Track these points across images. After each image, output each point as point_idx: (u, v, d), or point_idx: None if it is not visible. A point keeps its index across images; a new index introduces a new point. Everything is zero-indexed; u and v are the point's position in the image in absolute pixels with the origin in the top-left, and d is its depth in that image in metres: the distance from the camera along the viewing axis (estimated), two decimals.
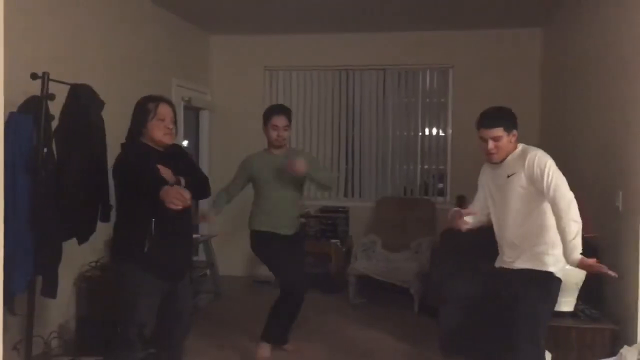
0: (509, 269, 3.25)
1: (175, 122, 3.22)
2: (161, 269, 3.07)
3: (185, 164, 3.30)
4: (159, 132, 3.13)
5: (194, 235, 5.97)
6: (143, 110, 3.14)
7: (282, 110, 4.36)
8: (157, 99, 3.19)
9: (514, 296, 3.11)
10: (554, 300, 3.21)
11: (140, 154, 3.10)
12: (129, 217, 3.13)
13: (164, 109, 3.15)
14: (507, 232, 3.27)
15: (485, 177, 3.49)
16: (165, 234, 3.07)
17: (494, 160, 3.30)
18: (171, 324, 3.25)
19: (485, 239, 3.73)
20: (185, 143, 6.73)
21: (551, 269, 3.10)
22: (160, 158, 3.13)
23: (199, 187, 3.32)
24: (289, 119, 4.34)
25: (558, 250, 3.04)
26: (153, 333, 3.17)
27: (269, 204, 4.27)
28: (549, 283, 3.12)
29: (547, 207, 3.10)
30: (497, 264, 3.39)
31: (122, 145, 3.23)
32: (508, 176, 3.23)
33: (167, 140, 3.17)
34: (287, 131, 4.29)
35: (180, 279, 3.24)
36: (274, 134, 4.25)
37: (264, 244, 4.28)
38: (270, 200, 4.27)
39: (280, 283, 4.31)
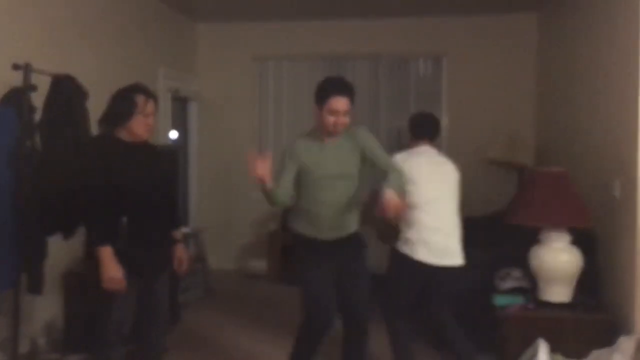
0: None
1: (154, 116, 3.16)
2: (135, 269, 2.98)
3: (157, 163, 3.25)
4: (142, 128, 3.06)
5: (184, 229, 5.94)
6: (129, 102, 3.03)
7: (343, 88, 3.23)
8: (146, 93, 3.09)
9: None
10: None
11: (116, 151, 3.03)
12: (99, 214, 3.00)
13: (151, 106, 3.08)
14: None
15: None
16: (138, 233, 2.98)
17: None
18: (148, 320, 3.19)
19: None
20: (173, 135, 6.63)
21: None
22: (135, 152, 3.08)
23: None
24: (352, 100, 3.24)
25: None
26: (131, 330, 3.12)
27: (322, 207, 3.29)
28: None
29: None
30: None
31: (96, 137, 3.16)
32: None
33: (146, 136, 3.12)
34: (347, 117, 3.21)
35: (155, 278, 3.16)
36: (330, 120, 3.16)
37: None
38: (323, 203, 3.28)
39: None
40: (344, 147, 3.29)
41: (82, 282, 4.21)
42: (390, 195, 3.00)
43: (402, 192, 3.24)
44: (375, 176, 3.37)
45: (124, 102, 3.04)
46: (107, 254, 2.88)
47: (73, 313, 4.26)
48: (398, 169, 3.34)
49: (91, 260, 2.97)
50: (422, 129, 3.84)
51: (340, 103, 3.17)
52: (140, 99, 3.04)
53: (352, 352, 3.44)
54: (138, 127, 3.04)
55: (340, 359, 3.48)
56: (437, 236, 3.53)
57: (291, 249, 3.55)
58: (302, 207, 3.34)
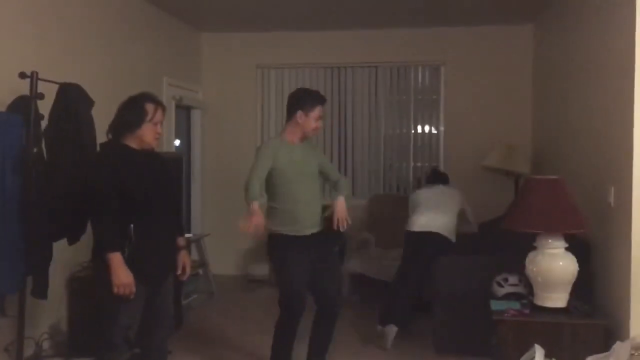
0: None
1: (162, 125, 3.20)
2: (142, 275, 3.02)
3: (163, 171, 3.30)
4: (151, 136, 3.10)
5: (187, 235, 5.99)
6: (139, 110, 3.06)
7: (324, 99, 3.80)
8: (155, 101, 3.13)
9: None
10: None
11: (125, 159, 3.07)
12: (107, 220, 3.02)
13: (160, 114, 3.12)
14: None
15: None
16: (145, 239, 3.02)
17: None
18: (153, 324, 3.23)
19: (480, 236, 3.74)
20: (177, 143, 6.70)
21: None
22: (144, 160, 3.12)
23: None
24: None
25: None
26: (137, 334, 3.16)
27: (297, 205, 3.66)
28: None
29: None
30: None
31: (103, 145, 3.19)
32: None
33: (155, 144, 3.17)
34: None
35: (161, 283, 3.21)
36: (314, 125, 3.67)
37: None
38: (298, 201, 3.66)
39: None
40: (308, 150, 3.79)
41: (86, 286, 4.28)
42: (341, 206, 3.62)
43: (349, 195, 3.87)
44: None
45: (134, 111, 3.07)
46: (117, 259, 2.91)
47: (77, 317, 4.30)
48: (344, 179, 4.02)
49: (99, 265, 3.01)
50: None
51: (322, 110, 3.72)
52: (150, 107, 3.07)
53: (323, 333, 3.86)
54: (148, 135, 3.08)
55: (311, 337, 3.87)
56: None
57: (268, 248, 3.78)
58: (280, 207, 3.68)
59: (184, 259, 3.34)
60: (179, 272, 3.32)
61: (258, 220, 3.42)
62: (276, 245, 3.69)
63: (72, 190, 3.64)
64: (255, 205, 3.46)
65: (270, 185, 3.68)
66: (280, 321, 3.76)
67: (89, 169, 3.12)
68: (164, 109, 3.18)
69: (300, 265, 3.63)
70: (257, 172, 3.60)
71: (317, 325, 3.87)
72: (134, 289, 2.95)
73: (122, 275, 2.91)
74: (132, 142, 3.09)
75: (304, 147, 3.76)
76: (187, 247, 3.50)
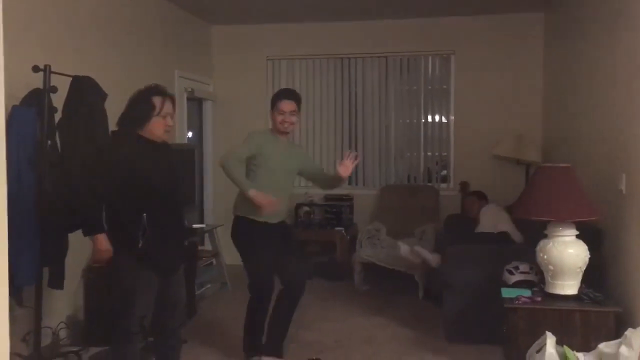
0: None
1: (174, 117, 3.20)
2: (156, 264, 3.07)
3: (172, 162, 3.33)
4: (160, 129, 3.11)
5: (199, 226, 6.04)
6: (147, 104, 3.08)
7: (290, 94, 4.04)
8: (163, 93, 3.13)
9: None
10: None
11: (138, 150, 3.10)
12: (120, 211, 3.10)
13: (168, 106, 3.12)
14: None
15: None
16: (158, 229, 3.06)
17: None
18: (166, 313, 3.27)
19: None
20: (189, 134, 6.74)
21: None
22: (155, 151, 3.15)
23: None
24: (298, 105, 4.01)
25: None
26: (151, 323, 3.22)
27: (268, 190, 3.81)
28: None
29: None
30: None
31: (115, 133, 3.22)
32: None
33: (166, 137, 3.18)
34: (294, 116, 3.94)
35: (174, 272, 3.25)
36: (279, 118, 3.90)
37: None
38: (271, 190, 3.80)
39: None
40: (293, 149, 4.14)
41: (101, 276, 4.33)
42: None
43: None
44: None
45: (141, 105, 3.08)
46: (101, 237, 3.04)
47: (93, 307, 4.35)
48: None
49: (115, 252, 3.07)
50: None
51: (286, 105, 3.92)
52: (157, 100, 3.08)
53: (286, 310, 4.05)
54: (157, 129, 3.10)
55: (273, 314, 4.05)
56: None
57: (235, 232, 3.96)
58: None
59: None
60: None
61: (267, 200, 3.69)
62: (243, 230, 3.91)
63: (86, 182, 3.68)
64: (253, 192, 3.69)
65: (249, 170, 3.89)
66: (251, 304, 4.00)
67: (101, 160, 3.16)
68: (173, 100, 3.19)
69: (267, 250, 3.86)
70: (238, 153, 3.82)
71: (282, 302, 4.05)
72: (110, 254, 3.05)
73: (103, 244, 3.04)
74: (143, 134, 3.11)
75: (288, 144, 4.08)
76: (200, 236, 3.53)
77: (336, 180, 4.08)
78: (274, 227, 3.92)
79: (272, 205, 3.71)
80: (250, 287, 3.98)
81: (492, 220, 5.19)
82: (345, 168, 3.90)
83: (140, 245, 3.01)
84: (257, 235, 3.86)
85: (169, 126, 3.15)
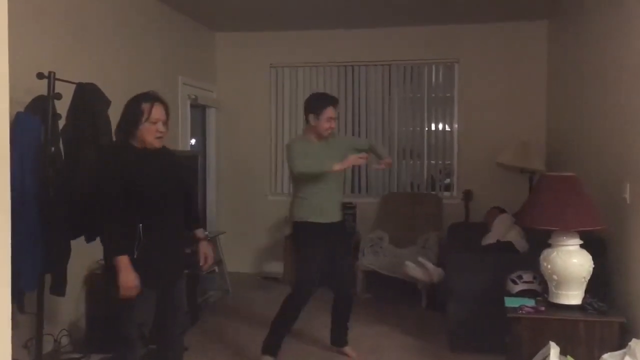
0: None
1: (167, 123, 3.14)
2: (152, 276, 3.03)
3: (172, 169, 3.29)
4: (151, 135, 3.05)
5: (204, 233, 6.02)
6: (136, 110, 3.04)
7: (335, 100, 4.19)
8: (151, 99, 3.08)
9: None
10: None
11: (129, 159, 3.06)
12: (115, 221, 3.05)
13: (157, 111, 3.06)
14: None
15: None
16: (154, 240, 3.03)
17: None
18: (167, 321, 3.25)
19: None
20: (192, 142, 6.75)
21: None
22: (148, 160, 3.10)
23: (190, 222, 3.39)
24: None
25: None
26: (151, 330, 3.20)
27: (321, 195, 4.09)
28: None
29: None
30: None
31: (109, 146, 3.21)
32: None
33: (158, 144, 3.11)
34: (335, 122, 4.16)
35: (172, 280, 3.22)
36: (326, 125, 4.05)
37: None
38: (321, 192, 4.08)
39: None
40: (329, 146, 4.17)
41: (103, 283, 4.32)
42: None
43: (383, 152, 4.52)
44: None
45: (131, 111, 3.06)
46: (124, 262, 2.93)
47: (95, 314, 4.36)
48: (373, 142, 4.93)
49: (110, 266, 3.03)
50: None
51: (333, 111, 4.10)
52: (145, 106, 3.03)
53: (344, 313, 4.36)
54: (147, 135, 3.04)
55: (332, 319, 4.40)
56: None
57: (297, 236, 4.22)
58: (305, 198, 4.10)
59: (205, 249, 3.38)
60: (201, 262, 3.36)
61: (354, 158, 4.01)
62: (303, 233, 4.12)
63: (88, 189, 3.69)
64: (336, 165, 3.95)
65: (297, 181, 4.14)
66: (290, 303, 4.13)
67: (96, 172, 3.14)
68: (164, 105, 3.12)
69: (320, 253, 4.07)
70: (297, 156, 4.03)
71: (337, 306, 4.35)
72: (139, 290, 2.96)
73: (129, 279, 2.93)
74: (136, 143, 3.08)
75: (323, 144, 4.14)
76: (207, 238, 3.52)
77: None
78: (333, 225, 4.13)
79: (358, 159, 4.01)
80: (297, 286, 4.13)
81: (503, 229, 5.16)
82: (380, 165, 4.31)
83: (135, 256, 2.97)
84: (312, 236, 4.06)
85: (160, 132, 3.08)
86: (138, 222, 2.99)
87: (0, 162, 1.37)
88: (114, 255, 2.95)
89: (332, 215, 4.15)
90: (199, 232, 3.40)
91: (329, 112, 4.06)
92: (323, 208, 4.10)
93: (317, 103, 4.11)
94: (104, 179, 3.02)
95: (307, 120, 4.18)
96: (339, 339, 4.43)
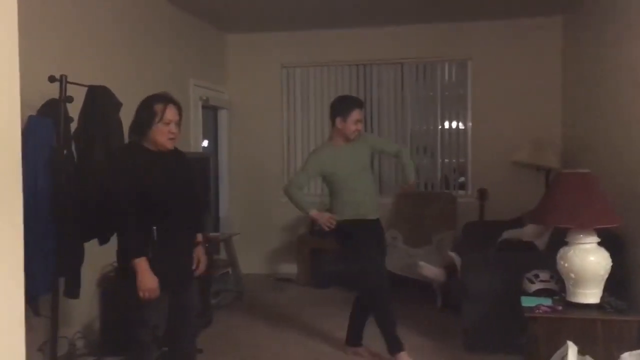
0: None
1: (179, 124, 3.15)
2: (165, 278, 3.02)
3: (184, 171, 3.28)
4: (163, 136, 3.06)
5: (215, 234, 6.03)
6: (149, 111, 3.05)
7: (361, 103, 4.27)
8: (165, 100, 3.09)
9: None
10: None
11: (142, 161, 3.06)
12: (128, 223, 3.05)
13: (170, 112, 3.06)
14: None
15: None
16: (167, 242, 3.03)
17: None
18: (180, 323, 3.24)
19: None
20: (204, 143, 6.75)
21: None
22: (161, 161, 3.10)
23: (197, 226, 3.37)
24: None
25: None
26: (165, 333, 3.19)
27: (357, 194, 4.19)
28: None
29: None
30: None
31: (121, 147, 3.20)
32: None
33: (170, 145, 3.11)
34: (361, 123, 4.22)
35: (185, 286, 3.21)
36: (353, 127, 4.13)
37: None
38: (357, 191, 4.19)
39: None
40: (356, 148, 4.21)
41: (116, 286, 4.33)
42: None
43: (412, 170, 4.51)
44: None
45: (144, 112, 3.07)
46: (143, 265, 2.93)
47: (109, 316, 4.36)
48: (403, 148, 4.68)
49: (124, 268, 3.04)
50: None
51: (360, 114, 4.16)
52: (158, 107, 3.04)
53: (367, 310, 4.32)
54: (160, 136, 3.05)
55: (352, 316, 4.39)
56: None
57: (339, 233, 4.21)
58: (342, 200, 4.20)
59: (199, 254, 3.35)
60: (194, 267, 3.32)
61: (325, 218, 4.10)
62: (346, 231, 4.13)
63: (101, 192, 3.69)
64: (314, 213, 4.14)
65: (330, 184, 4.25)
66: (372, 296, 4.14)
67: (109, 174, 3.13)
68: (177, 107, 3.13)
69: (370, 245, 4.12)
70: (298, 181, 4.20)
71: (358, 307, 4.36)
72: (158, 293, 2.97)
73: (148, 281, 2.93)
74: (148, 144, 3.08)
75: (350, 147, 4.20)
76: (204, 243, 3.49)
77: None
78: (372, 222, 4.22)
79: (328, 220, 4.07)
80: (364, 283, 4.16)
81: (538, 230, 5.11)
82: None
83: (150, 257, 2.97)
84: (357, 231, 4.11)
85: (172, 133, 3.08)
86: (151, 224, 2.99)
87: (12, 166, 1.37)
88: (132, 258, 2.95)
89: (371, 212, 4.24)
90: (197, 237, 3.38)
91: (356, 114, 4.11)
92: (366, 206, 4.21)
93: (343, 106, 4.16)
94: (118, 182, 3.02)
95: (333, 124, 4.21)
96: (356, 337, 4.38)
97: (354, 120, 4.11)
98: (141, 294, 2.94)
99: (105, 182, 3.15)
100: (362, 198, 4.18)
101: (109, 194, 3.05)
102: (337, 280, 6.18)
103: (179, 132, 3.15)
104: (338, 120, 4.14)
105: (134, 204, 2.97)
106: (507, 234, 5.21)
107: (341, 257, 4.33)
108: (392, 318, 4.16)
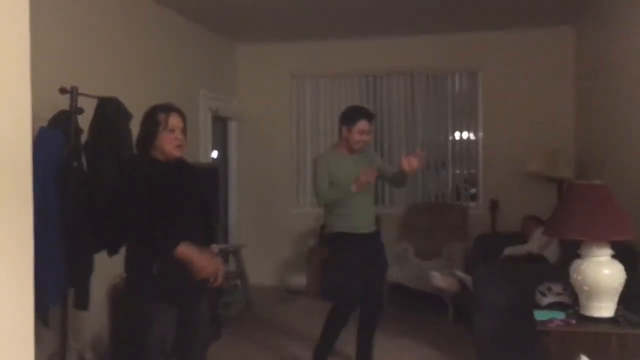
0: None
1: (185, 132, 3.15)
2: (175, 292, 3.00)
3: (192, 182, 3.26)
4: (170, 144, 3.05)
5: (224, 246, 6.02)
6: (153, 121, 3.06)
7: (369, 114, 4.17)
8: (168, 109, 3.10)
9: None
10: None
11: (151, 171, 3.05)
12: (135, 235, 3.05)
13: (174, 120, 3.07)
14: None
15: None
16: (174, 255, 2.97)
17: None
18: (190, 337, 3.21)
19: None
20: (214, 154, 6.76)
21: None
22: (170, 172, 3.10)
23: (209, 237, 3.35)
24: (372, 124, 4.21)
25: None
26: (173, 346, 3.15)
27: (351, 208, 4.09)
28: None
29: None
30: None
31: (131, 159, 3.21)
32: None
33: (178, 152, 3.10)
34: (369, 135, 4.13)
35: (196, 300, 3.17)
36: (356, 137, 4.06)
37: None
38: (351, 205, 4.07)
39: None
40: (360, 160, 4.15)
41: (124, 298, 4.31)
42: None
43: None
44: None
45: (149, 122, 3.08)
46: (186, 250, 2.90)
47: (118, 327, 4.36)
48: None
49: (130, 277, 3.03)
50: None
51: (366, 124, 4.08)
52: (161, 116, 3.06)
53: (369, 325, 4.25)
54: (167, 144, 3.04)
55: (358, 330, 4.27)
56: None
57: (330, 244, 4.27)
58: (338, 211, 4.10)
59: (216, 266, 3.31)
60: (211, 280, 3.27)
61: (368, 173, 3.93)
62: (338, 242, 4.14)
63: (113, 202, 3.69)
64: (354, 185, 3.94)
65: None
66: (335, 311, 4.15)
67: (119, 185, 3.12)
68: (178, 113, 3.13)
69: (353, 261, 4.06)
70: (323, 186, 4.07)
71: (364, 318, 4.26)
72: (217, 267, 3.05)
73: (200, 259, 2.93)
74: (157, 154, 3.08)
75: (355, 157, 4.15)
76: (223, 256, 3.47)
77: (400, 176, 4.09)
78: (365, 237, 4.13)
79: (371, 175, 3.93)
80: (338, 297, 4.15)
81: (544, 241, 5.07)
82: (408, 162, 3.84)
83: (154, 271, 2.94)
84: (347, 244, 4.08)
85: (179, 140, 3.08)
86: (156, 235, 2.96)
87: (23, 177, 1.37)
88: (171, 251, 2.89)
89: (366, 226, 4.16)
90: (213, 248, 3.35)
91: (362, 125, 4.05)
92: (358, 219, 4.11)
93: (350, 115, 4.12)
94: (128, 193, 3.01)
95: (340, 132, 4.19)
96: (363, 356, 4.29)
97: (359, 130, 4.05)
98: (201, 273, 2.95)
99: (115, 193, 3.14)
100: (356, 211, 4.09)
101: (122, 204, 3.03)
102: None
103: (185, 140, 3.15)
104: (344, 129, 4.12)
105: (146, 214, 2.95)
106: (509, 250, 5.17)
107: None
108: (333, 338, 4.19)
